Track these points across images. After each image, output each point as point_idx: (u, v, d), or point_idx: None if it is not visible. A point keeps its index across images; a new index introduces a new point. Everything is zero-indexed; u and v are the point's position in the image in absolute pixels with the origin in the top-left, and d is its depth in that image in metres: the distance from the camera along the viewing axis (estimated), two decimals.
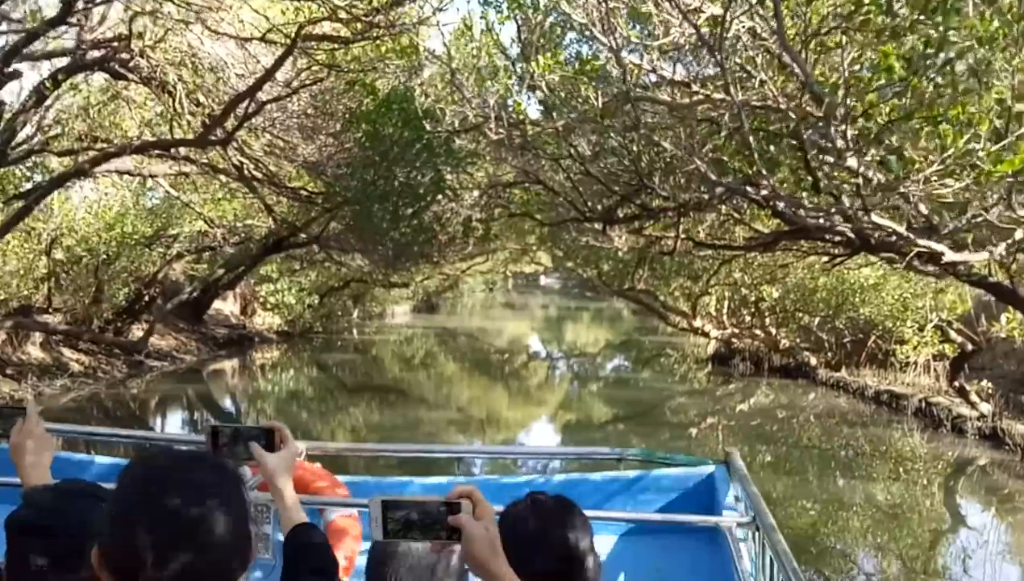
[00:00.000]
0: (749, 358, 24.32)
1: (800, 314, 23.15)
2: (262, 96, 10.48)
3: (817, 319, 22.72)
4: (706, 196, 9.18)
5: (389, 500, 1.67)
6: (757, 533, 3.21)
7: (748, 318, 24.45)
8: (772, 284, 21.95)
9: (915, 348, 19.82)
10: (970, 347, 15.76)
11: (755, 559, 3.25)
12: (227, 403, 20.24)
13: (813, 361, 22.48)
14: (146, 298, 19.24)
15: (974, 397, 15.78)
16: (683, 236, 12.21)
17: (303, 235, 15.48)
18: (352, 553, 3.54)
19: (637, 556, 3.74)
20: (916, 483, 14.08)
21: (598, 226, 13.53)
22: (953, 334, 17.70)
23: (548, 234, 19.63)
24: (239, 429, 2.16)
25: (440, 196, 11.48)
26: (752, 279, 22.30)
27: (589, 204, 12.12)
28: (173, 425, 17.58)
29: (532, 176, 12.44)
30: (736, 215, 11.70)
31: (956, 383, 16.08)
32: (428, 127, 10.13)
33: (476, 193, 12.79)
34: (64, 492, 1.89)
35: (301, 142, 12.10)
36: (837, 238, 9.33)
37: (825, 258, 15.30)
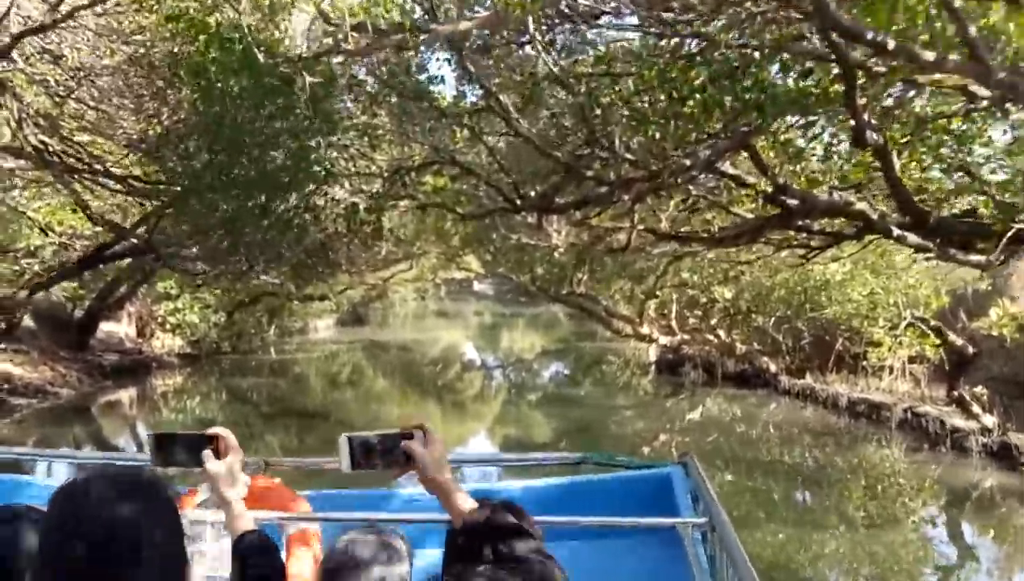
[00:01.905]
0: (700, 364, 21.49)
1: (755, 315, 20.44)
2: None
3: (772, 320, 20.04)
4: (687, 161, 6.17)
5: (354, 436, 1.90)
6: (713, 534, 3.06)
7: (698, 321, 21.67)
8: (725, 284, 19.20)
9: (889, 350, 17.20)
10: (971, 350, 13.07)
11: (711, 560, 3.09)
12: (122, 442, 16.94)
13: (772, 367, 19.76)
14: (2, 325, 15.66)
15: (976, 408, 13.09)
16: (639, 227, 9.19)
17: (134, 240, 12.08)
18: (313, 567, 3.22)
19: (595, 561, 3.51)
20: (915, 517, 11.33)
21: (531, 219, 10.55)
22: (933, 333, 15.13)
23: (473, 234, 16.53)
24: (181, 435, 2.15)
25: (311, 180, 8.17)
26: (704, 279, 19.53)
27: (520, 190, 9.07)
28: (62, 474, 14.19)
29: (446, 156, 9.35)
30: (710, 198, 8.78)
31: (955, 392, 13.39)
32: (282, 71, 6.97)
33: (376, 182, 9.73)
34: (9, 519, 1.83)
35: (124, 111, 8.79)
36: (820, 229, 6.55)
37: (800, 251, 12.59)
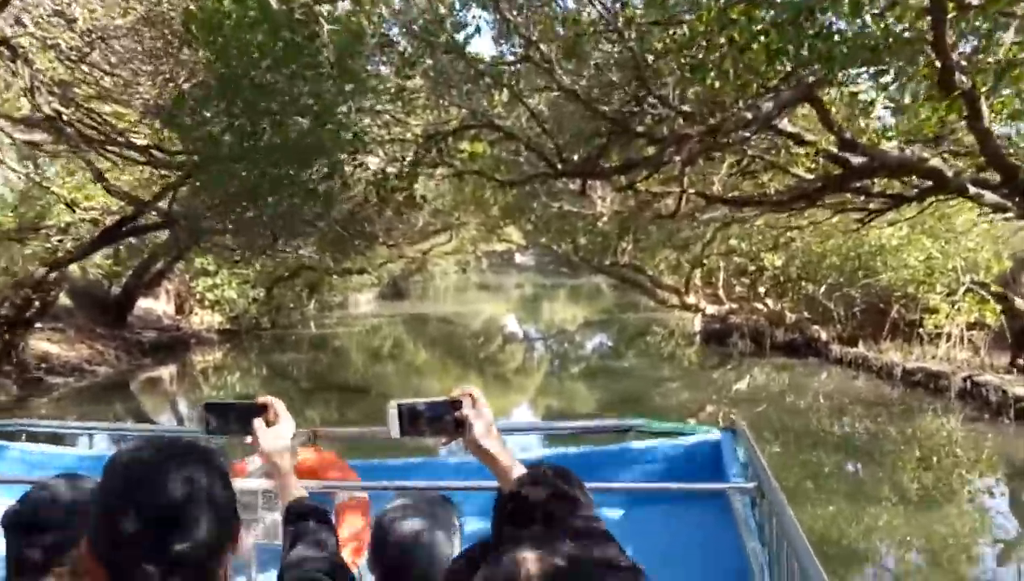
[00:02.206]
0: (748, 334, 20.76)
1: (804, 283, 19.67)
2: None
3: (823, 288, 19.26)
4: (747, 115, 5.55)
5: (403, 403, 1.86)
6: (762, 500, 3.00)
7: (746, 290, 20.95)
8: (775, 251, 18.45)
9: (947, 317, 16.41)
10: None
11: (761, 524, 3.04)
12: (164, 420, 16.73)
13: (823, 336, 19.02)
14: (36, 303, 15.40)
15: None
16: (690, 191, 8.58)
17: (154, 213, 11.56)
18: (362, 535, 3.42)
19: (644, 526, 3.49)
20: (973, 488, 10.65)
21: (574, 186, 9.96)
22: (994, 299, 14.36)
23: (513, 203, 15.94)
24: (232, 405, 2.17)
25: (339, 148, 7.52)
26: (752, 246, 18.80)
27: (562, 154, 8.48)
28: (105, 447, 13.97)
29: (484, 119, 8.80)
30: (766, 158, 8.14)
31: (1020, 360, 12.63)
32: (300, 19, 6.38)
33: (410, 149, 9.16)
34: (53, 487, 1.89)
35: (140, 76, 8.25)
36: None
37: (856, 215, 11.86)
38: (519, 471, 1.76)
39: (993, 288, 13.68)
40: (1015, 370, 13.01)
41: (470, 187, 14.54)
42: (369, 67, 7.88)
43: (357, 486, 3.57)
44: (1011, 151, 7.00)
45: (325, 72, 6.70)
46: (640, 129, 7.53)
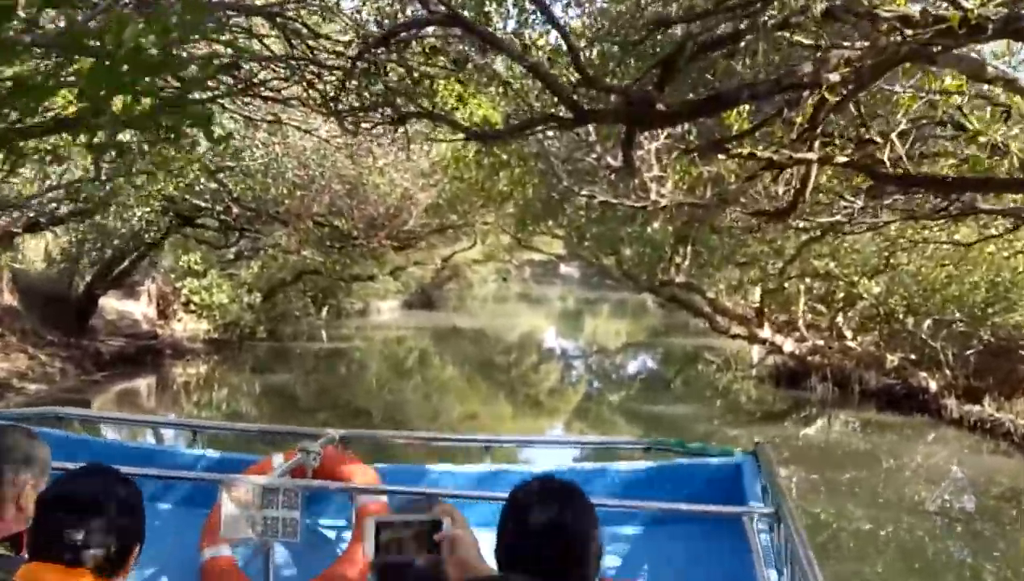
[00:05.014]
0: (832, 377, 16.09)
1: (903, 317, 15.01)
2: None
3: (927, 323, 14.62)
4: None
5: (382, 520, 1.93)
6: (779, 526, 3.05)
7: (829, 323, 16.31)
8: (876, 275, 13.87)
9: None
10: None
11: (777, 550, 3.06)
12: None
13: (933, 386, 14.35)
14: None
15: None
16: (840, 158, 4.10)
17: None
18: None
19: (660, 546, 3.61)
20: None
21: (614, 161, 5.73)
22: None
23: (536, 196, 11.53)
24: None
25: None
26: (843, 268, 14.25)
27: (595, 83, 4.10)
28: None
29: (456, 19, 4.45)
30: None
31: None
32: None
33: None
34: (100, 473, 1.93)
35: None
36: None
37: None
38: None
39: None
40: None
41: (473, 171, 10.29)
42: None
43: (377, 489, 3.55)
44: None
45: None
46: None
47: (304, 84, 5.45)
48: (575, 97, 4.35)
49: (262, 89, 5.90)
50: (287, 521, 3.01)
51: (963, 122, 5.28)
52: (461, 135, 4.39)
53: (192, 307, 20.24)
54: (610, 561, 3.50)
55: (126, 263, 16.65)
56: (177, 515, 3.77)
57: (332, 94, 5.02)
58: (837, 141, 4.84)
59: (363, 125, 5.33)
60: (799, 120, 4.46)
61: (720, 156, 4.75)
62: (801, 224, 9.02)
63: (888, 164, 4.37)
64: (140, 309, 19.99)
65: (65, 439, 4.00)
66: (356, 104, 5.05)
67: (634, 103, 4.02)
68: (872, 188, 6.30)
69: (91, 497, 1.81)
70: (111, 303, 19.35)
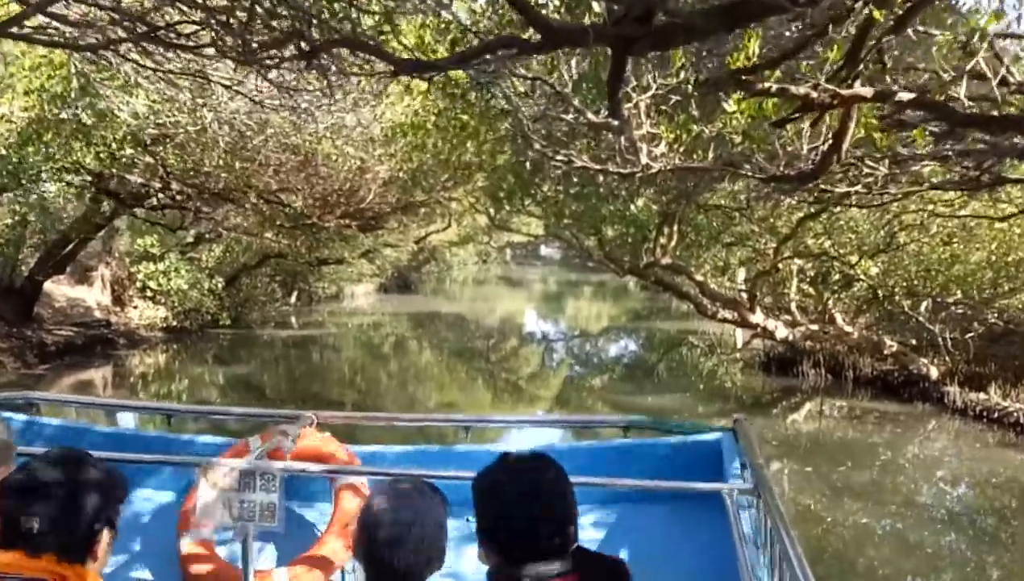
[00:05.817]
0: (824, 362, 15.04)
1: (900, 299, 13.96)
2: None
3: (925, 304, 13.60)
4: None
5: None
6: (759, 501, 3.01)
7: (818, 305, 15.26)
8: (874, 256, 12.81)
9: None
10: None
11: (756, 525, 3.05)
12: None
13: (933, 372, 13.34)
14: None
15: None
16: (903, 95, 2.80)
17: None
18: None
19: (640, 524, 3.58)
20: None
21: (595, 117, 4.51)
22: None
23: (503, 167, 10.33)
24: None
25: None
26: (838, 247, 13.19)
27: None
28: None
29: None
30: None
31: None
32: None
33: None
34: (57, 458, 1.88)
35: None
36: None
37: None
38: None
39: None
40: None
41: (431, 140, 9.10)
42: None
43: (356, 471, 3.55)
44: None
45: None
46: None
47: (214, 23, 4.29)
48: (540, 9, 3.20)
49: (171, 35, 4.71)
50: (265, 504, 2.96)
51: (1005, 74, 4.19)
52: (390, 68, 3.24)
53: (149, 293, 18.95)
54: (591, 537, 3.42)
55: (70, 247, 15.31)
56: (154, 500, 3.82)
57: (238, 30, 3.87)
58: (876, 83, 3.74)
59: (274, 66, 4.18)
60: (833, 55, 3.34)
61: (735, 96, 3.57)
62: (794, 200, 7.93)
63: (964, 104, 3.30)
64: (93, 296, 18.68)
65: (36, 424, 4.04)
66: (267, 40, 3.91)
67: (625, 16, 2.86)
68: (896, 155, 5.21)
69: (50, 482, 1.78)
70: (61, 289, 18.07)
